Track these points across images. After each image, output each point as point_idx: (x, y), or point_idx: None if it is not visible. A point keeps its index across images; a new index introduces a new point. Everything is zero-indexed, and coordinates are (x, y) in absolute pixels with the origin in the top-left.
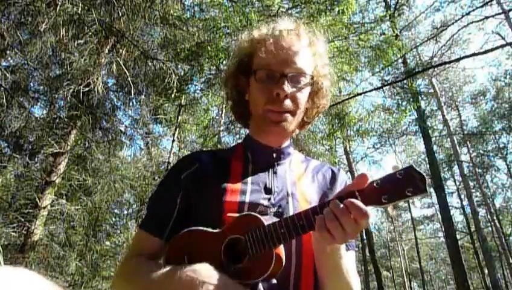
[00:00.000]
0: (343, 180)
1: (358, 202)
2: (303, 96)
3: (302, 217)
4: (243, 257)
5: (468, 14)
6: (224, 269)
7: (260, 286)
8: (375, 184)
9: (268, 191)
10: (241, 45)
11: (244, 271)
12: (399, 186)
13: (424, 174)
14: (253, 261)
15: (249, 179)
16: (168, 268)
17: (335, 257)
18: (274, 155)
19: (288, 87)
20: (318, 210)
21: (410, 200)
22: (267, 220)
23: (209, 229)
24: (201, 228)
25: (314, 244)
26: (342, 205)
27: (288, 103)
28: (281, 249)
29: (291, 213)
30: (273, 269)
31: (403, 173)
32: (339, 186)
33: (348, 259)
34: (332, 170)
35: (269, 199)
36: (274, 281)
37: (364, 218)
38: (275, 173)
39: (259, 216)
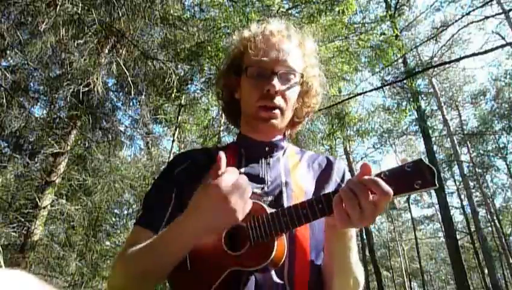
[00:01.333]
0: (340, 168)
1: (381, 180)
2: (293, 94)
3: (306, 206)
4: (244, 244)
5: (468, 14)
6: (224, 256)
7: (254, 276)
8: (382, 175)
9: (261, 180)
10: (232, 45)
11: (245, 258)
12: (407, 178)
13: (434, 167)
14: (254, 248)
15: (242, 170)
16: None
17: (345, 241)
18: (266, 149)
19: (278, 84)
20: (322, 199)
21: (418, 193)
22: (270, 208)
23: None
24: None
25: (326, 230)
26: (361, 183)
27: (278, 99)
28: (283, 239)
29: (285, 202)
30: (274, 258)
31: (412, 166)
32: (335, 174)
33: (355, 246)
34: (328, 159)
35: (262, 188)
36: (273, 273)
37: (386, 198)
38: (268, 163)
39: (262, 203)
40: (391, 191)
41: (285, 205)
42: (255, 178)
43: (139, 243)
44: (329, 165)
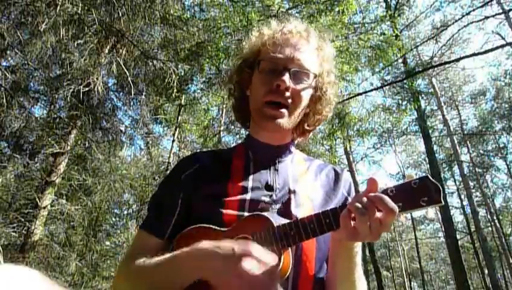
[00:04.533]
0: (347, 180)
1: (387, 197)
2: (304, 94)
3: (314, 221)
4: None
5: (468, 14)
6: None
7: None
8: (389, 191)
9: (269, 188)
10: (250, 40)
11: None
12: (413, 195)
13: (439, 185)
14: None
15: (250, 177)
16: (169, 254)
17: (351, 256)
18: (274, 153)
19: (289, 81)
20: (330, 214)
21: (424, 210)
22: (277, 221)
23: (217, 227)
24: (209, 225)
25: (332, 244)
26: (368, 200)
27: (287, 96)
28: (289, 252)
29: (293, 210)
30: (280, 271)
31: (418, 183)
32: (342, 187)
33: (360, 261)
34: (335, 170)
35: (271, 196)
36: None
37: (392, 215)
38: (276, 170)
39: (269, 217)
40: (396, 209)
41: (293, 213)
42: (263, 185)
43: (144, 250)
44: (336, 177)
